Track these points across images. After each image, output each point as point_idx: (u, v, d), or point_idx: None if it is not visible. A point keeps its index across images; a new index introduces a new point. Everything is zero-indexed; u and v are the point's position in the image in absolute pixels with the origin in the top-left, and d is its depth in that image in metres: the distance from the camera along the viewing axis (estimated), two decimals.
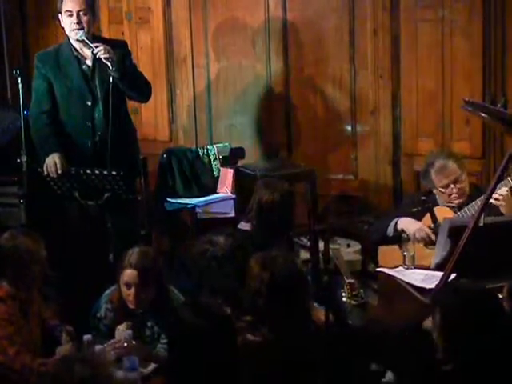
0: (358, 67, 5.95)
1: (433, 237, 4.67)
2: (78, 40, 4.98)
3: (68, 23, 4.96)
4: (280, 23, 6.14)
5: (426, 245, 4.74)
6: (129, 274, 3.99)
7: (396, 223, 4.83)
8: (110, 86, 4.94)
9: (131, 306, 4.01)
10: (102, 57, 4.83)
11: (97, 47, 4.87)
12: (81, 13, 4.94)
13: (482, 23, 5.45)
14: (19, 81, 5.24)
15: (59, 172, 4.87)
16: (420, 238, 4.73)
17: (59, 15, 5.01)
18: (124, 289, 4.01)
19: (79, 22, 4.93)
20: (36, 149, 5.08)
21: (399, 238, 4.80)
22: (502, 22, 5.40)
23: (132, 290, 3.98)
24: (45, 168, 4.91)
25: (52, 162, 4.89)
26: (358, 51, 5.93)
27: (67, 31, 5.01)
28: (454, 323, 3.02)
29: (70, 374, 2.81)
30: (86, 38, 4.94)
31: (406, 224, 4.80)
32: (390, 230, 4.84)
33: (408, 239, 4.53)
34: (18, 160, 5.32)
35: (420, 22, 5.65)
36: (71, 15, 4.93)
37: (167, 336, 3.32)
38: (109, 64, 4.83)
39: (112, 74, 4.87)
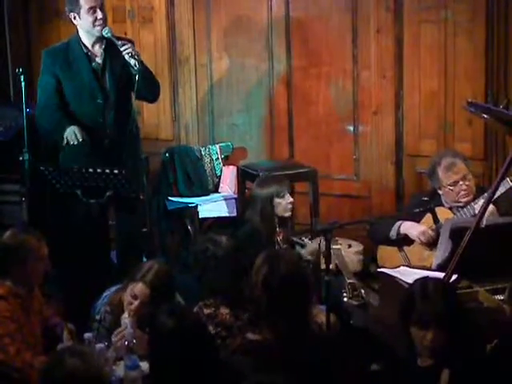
0: (360, 67, 5.94)
1: (434, 239, 4.69)
2: (103, 37, 4.99)
3: (91, 19, 4.95)
4: (283, 23, 6.14)
5: (429, 247, 4.75)
6: (140, 289, 3.95)
7: (399, 227, 4.83)
8: (120, 83, 4.99)
9: (125, 315, 3.96)
10: (129, 54, 4.86)
11: (124, 44, 4.91)
12: (101, 8, 4.97)
13: (484, 24, 5.44)
14: (22, 79, 5.26)
15: (79, 140, 4.87)
16: (424, 241, 4.75)
17: (72, 14, 5.00)
18: (129, 298, 3.98)
19: (104, 17, 4.97)
20: (45, 136, 5.07)
21: (401, 241, 4.81)
22: (504, 22, 5.40)
23: (136, 302, 3.95)
24: (65, 138, 4.89)
25: (71, 131, 4.88)
26: (360, 51, 5.92)
27: (88, 28, 5.00)
28: None
29: (61, 367, 2.84)
30: (112, 35, 4.98)
31: (409, 228, 4.81)
32: (393, 233, 4.85)
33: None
34: (21, 158, 5.34)
35: (423, 23, 5.65)
36: (95, 11, 4.95)
37: (148, 341, 3.33)
38: (134, 61, 4.86)
39: (134, 71, 4.88)
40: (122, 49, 4.91)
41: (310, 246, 4.77)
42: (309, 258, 4.54)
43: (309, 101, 6.16)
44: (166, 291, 3.98)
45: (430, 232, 4.75)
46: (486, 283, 3.95)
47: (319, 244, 4.61)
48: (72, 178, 4.87)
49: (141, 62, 4.93)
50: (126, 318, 3.89)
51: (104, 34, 4.99)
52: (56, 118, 5.05)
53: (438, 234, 4.65)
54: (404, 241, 4.87)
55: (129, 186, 4.83)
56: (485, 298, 3.90)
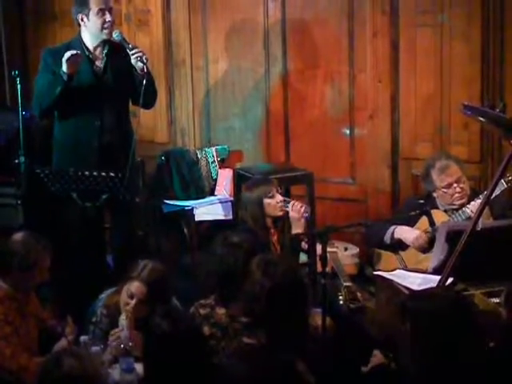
0: (356, 71, 5.95)
1: (428, 244, 4.70)
2: (108, 41, 5.03)
3: (100, 22, 4.98)
4: (279, 26, 6.15)
5: (423, 252, 4.76)
6: (137, 287, 3.95)
7: (393, 232, 4.83)
8: (120, 87, 5.03)
9: (123, 317, 3.97)
10: (137, 58, 4.90)
11: (134, 48, 4.96)
12: (110, 11, 5.01)
13: (480, 28, 5.45)
14: (18, 81, 5.25)
15: (78, 52, 4.86)
16: (418, 246, 4.75)
17: (79, 15, 5.01)
18: (125, 297, 3.98)
19: (112, 20, 5.01)
20: (50, 104, 5.00)
21: (396, 246, 4.81)
22: (500, 26, 5.41)
23: (133, 302, 3.95)
24: (65, 63, 4.82)
25: (68, 53, 4.84)
26: (356, 55, 5.93)
27: (96, 30, 5.02)
28: (423, 332, 3.01)
29: (58, 368, 2.86)
30: (122, 38, 5.02)
31: (404, 233, 4.81)
32: (387, 238, 4.85)
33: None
34: (16, 161, 5.34)
35: (419, 27, 5.66)
36: (104, 13, 4.98)
37: (143, 343, 3.32)
38: (141, 65, 4.90)
39: (139, 76, 4.92)
40: (131, 52, 4.94)
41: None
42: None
43: (305, 104, 6.16)
44: (162, 289, 3.98)
45: (424, 237, 4.75)
46: (481, 286, 3.96)
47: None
48: (68, 180, 4.86)
49: (147, 68, 4.97)
50: (123, 320, 3.88)
51: (114, 36, 5.02)
52: (49, 79, 4.99)
53: (432, 239, 4.65)
54: (399, 245, 4.87)
55: (125, 189, 4.82)
56: (480, 301, 3.90)
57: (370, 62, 5.86)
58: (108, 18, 4.98)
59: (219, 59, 6.39)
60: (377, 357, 3.59)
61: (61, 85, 4.89)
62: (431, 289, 3.73)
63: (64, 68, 4.85)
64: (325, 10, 5.99)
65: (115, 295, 4.08)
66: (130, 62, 4.97)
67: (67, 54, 4.83)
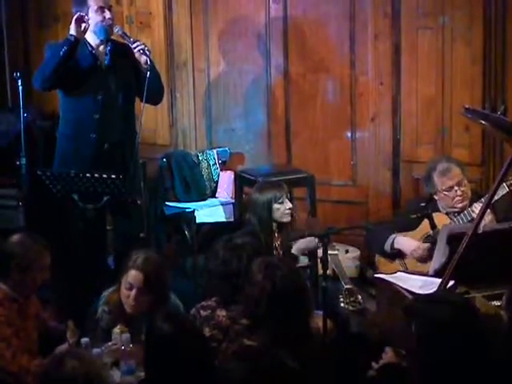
0: (358, 73, 5.95)
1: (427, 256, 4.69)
2: (115, 34, 5.07)
3: (100, 19, 5.01)
4: (281, 28, 6.15)
5: (422, 263, 4.75)
6: (133, 276, 3.96)
7: (393, 241, 4.81)
8: (124, 85, 5.05)
9: (128, 309, 3.99)
10: (140, 51, 4.93)
11: (136, 41, 5.00)
12: (109, 9, 5.04)
13: (482, 30, 5.46)
14: (19, 83, 5.25)
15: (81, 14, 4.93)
16: (417, 258, 4.74)
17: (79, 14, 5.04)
18: (124, 290, 3.99)
19: (112, 17, 5.05)
20: (57, 65, 4.95)
21: (396, 255, 4.80)
22: (502, 29, 5.41)
23: (133, 292, 3.96)
24: (73, 24, 4.90)
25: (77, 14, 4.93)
26: (358, 57, 5.93)
27: (97, 28, 5.03)
28: (429, 334, 3.00)
29: (61, 370, 2.86)
30: (123, 32, 5.07)
31: (403, 245, 4.80)
32: (388, 247, 4.84)
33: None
34: (18, 162, 5.34)
35: (421, 29, 5.66)
36: (103, 11, 5.01)
37: (144, 344, 3.31)
38: (145, 58, 4.93)
39: (144, 70, 4.94)
40: (133, 45, 4.97)
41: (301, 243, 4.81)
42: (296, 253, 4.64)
43: (306, 106, 6.16)
44: (159, 277, 3.99)
45: (422, 248, 4.74)
46: (482, 289, 3.95)
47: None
48: (69, 182, 4.86)
49: (151, 60, 4.99)
50: (117, 334, 3.89)
51: (115, 31, 5.06)
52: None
53: (431, 248, 4.63)
54: (399, 254, 4.86)
55: (126, 190, 4.82)
56: (482, 304, 3.89)
57: (371, 64, 5.86)
58: (108, 15, 5.01)
59: (221, 61, 6.39)
60: (388, 354, 3.58)
61: (67, 45, 4.90)
62: (437, 292, 3.73)
63: (72, 30, 4.90)
64: (326, 12, 5.99)
65: (116, 292, 4.08)
66: (134, 59, 4.98)
67: (76, 15, 4.91)
